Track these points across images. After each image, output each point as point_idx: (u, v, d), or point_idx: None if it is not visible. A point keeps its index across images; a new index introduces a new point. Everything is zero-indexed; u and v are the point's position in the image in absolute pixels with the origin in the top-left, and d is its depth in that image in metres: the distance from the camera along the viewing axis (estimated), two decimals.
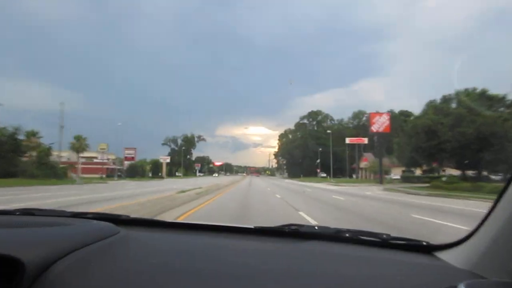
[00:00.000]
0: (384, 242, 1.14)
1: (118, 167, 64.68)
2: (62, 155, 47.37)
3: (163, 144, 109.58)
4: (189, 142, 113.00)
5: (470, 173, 29.94)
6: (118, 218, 1.34)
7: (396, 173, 51.99)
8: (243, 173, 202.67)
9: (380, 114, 46.22)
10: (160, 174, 72.55)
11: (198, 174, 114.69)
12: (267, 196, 17.58)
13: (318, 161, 74.31)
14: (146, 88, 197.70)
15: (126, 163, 65.77)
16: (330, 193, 21.38)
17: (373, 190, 25.55)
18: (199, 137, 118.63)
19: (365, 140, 60.00)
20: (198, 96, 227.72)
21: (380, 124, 44.88)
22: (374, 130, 44.80)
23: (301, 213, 9.97)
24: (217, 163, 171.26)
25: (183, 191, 15.91)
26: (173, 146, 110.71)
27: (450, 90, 32.37)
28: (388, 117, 45.52)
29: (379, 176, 43.06)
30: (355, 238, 1.17)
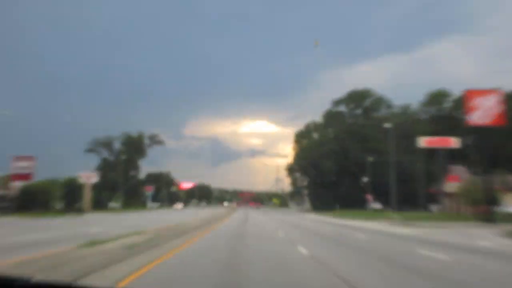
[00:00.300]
0: None
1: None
2: None
3: (87, 150, 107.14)
4: (135, 147, 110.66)
5: None
6: (12, 283, 1.27)
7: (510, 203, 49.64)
8: (232, 201, 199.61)
9: (482, 92, 43.75)
10: (78, 205, 69.95)
11: (149, 205, 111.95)
12: (281, 253, 14.82)
13: (366, 180, 71.82)
14: (61, 54, 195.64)
15: (17, 185, 63.08)
16: (411, 245, 18.91)
17: (488, 237, 24.25)
18: (152, 138, 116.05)
19: (455, 142, 57.53)
20: (153, 69, 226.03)
21: (484, 111, 42.37)
22: (476, 122, 42.28)
23: None
24: (185, 185, 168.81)
25: (96, 243, 13.28)
26: (106, 154, 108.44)
27: None
28: (499, 98, 43.07)
29: (485, 208, 40.58)
30: None
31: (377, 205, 69.14)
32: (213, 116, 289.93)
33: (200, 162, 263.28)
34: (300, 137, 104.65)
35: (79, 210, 65.57)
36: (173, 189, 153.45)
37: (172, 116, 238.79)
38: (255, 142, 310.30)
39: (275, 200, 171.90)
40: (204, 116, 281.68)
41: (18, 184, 62.99)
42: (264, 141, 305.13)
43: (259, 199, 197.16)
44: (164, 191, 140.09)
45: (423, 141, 59.76)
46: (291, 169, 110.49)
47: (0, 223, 36.80)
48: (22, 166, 64.54)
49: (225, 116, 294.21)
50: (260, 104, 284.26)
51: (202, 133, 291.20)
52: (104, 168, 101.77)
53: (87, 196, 73.09)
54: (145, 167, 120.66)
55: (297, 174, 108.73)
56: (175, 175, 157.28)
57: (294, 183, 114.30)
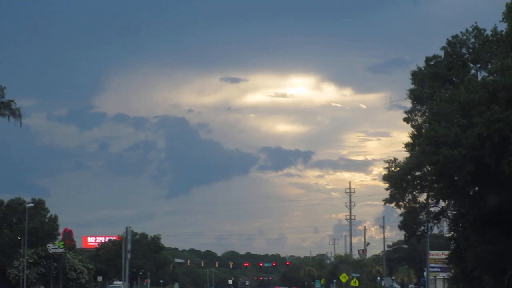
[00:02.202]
0: None
1: None
2: None
3: None
4: None
5: None
6: None
7: None
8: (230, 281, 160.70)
9: None
10: None
11: None
12: None
13: None
14: None
15: None
16: None
17: None
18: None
19: None
20: None
21: None
22: None
23: None
24: (93, 240, 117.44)
25: None
26: None
27: None
28: None
29: None
30: None
31: None
32: (176, 68, 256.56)
33: (138, 183, 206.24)
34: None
35: None
36: (59, 247, 75.19)
37: (66, 72, 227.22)
38: (286, 130, 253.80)
39: (343, 278, 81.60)
40: (151, 66, 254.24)
41: None
42: (310, 130, 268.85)
43: (300, 278, 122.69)
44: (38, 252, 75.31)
45: None
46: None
47: None
48: None
49: (209, 67, 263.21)
50: (297, 34, 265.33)
51: (144, 110, 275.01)
52: None
53: None
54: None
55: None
56: (69, 213, 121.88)
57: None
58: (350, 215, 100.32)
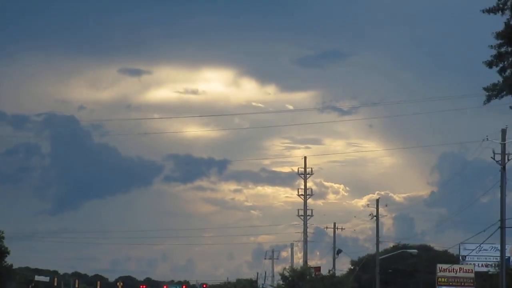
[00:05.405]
0: None
1: None
2: None
3: None
4: None
5: None
6: None
7: None
8: None
9: None
10: None
11: None
12: None
13: None
14: None
15: None
16: None
17: None
18: None
19: None
20: None
21: None
22: None
23: None
24: None
25: None
26: None
27: None
28: None
29: None
30: None
31: None
32: (64, 57, 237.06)
33: (15, 195, 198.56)
34: None
35: None
36: None
37: None
38: (197, 134, 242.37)
39: None
40: (35, 55, 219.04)
41: None
42: (225, 134, 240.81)
43: None
44: None
45: None
46: None
47: None
48: None
49: (104, 56, 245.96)
50: (210, 18, 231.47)
51: (25, 106, 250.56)
52: None
53: None
54: None
55: None
56: None
57: None
58: (305, 205, 72.16)
